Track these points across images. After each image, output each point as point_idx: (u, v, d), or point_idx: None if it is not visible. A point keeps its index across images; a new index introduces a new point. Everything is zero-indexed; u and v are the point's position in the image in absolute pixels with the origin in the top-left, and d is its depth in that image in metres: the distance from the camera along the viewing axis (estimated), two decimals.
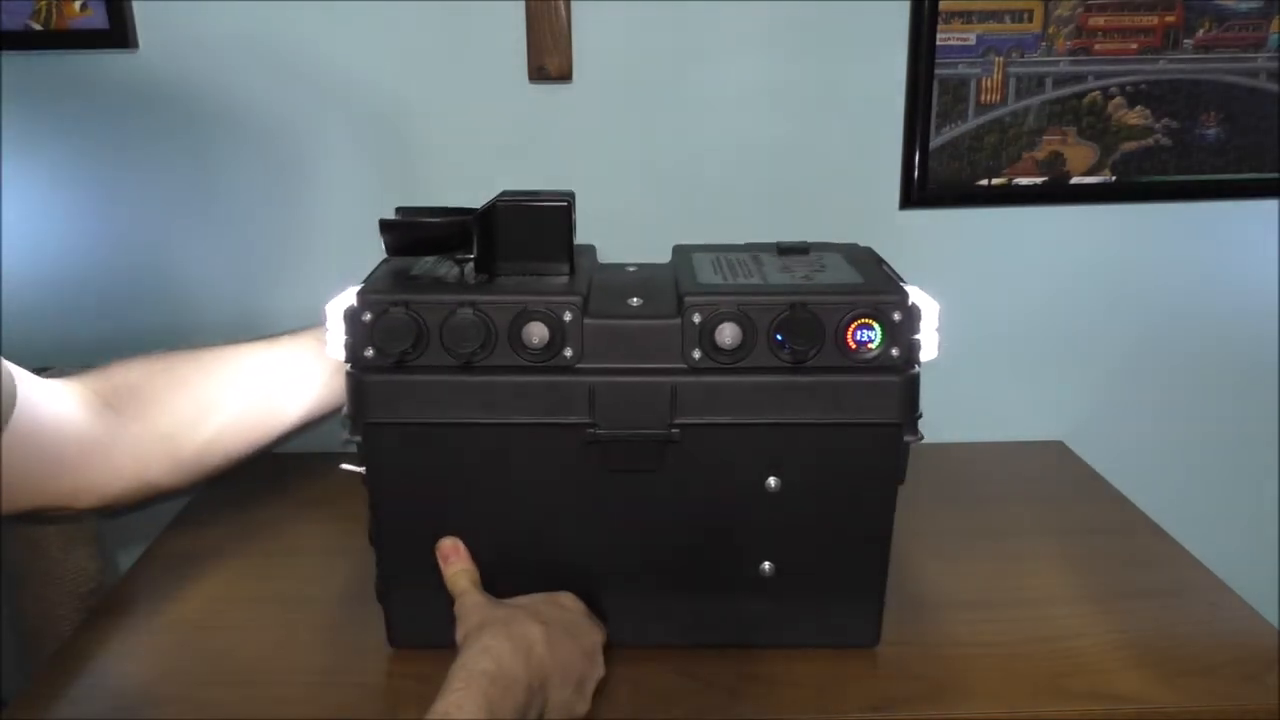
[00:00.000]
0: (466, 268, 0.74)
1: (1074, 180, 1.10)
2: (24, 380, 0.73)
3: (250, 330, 1.12)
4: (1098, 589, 0.86)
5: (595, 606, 0.75)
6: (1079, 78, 1.07)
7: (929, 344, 0.71)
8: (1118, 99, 1.08)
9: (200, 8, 1.03)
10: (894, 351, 0.69)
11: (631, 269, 0.80)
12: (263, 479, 1.10)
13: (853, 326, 0.68)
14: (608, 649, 0.74)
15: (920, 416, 0.70)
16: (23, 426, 0.71)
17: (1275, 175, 1.11)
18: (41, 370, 1.08)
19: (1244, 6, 1.05)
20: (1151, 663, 0.76)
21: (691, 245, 0.84)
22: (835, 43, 1.06)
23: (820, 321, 0.68)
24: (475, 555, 0.74)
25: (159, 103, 1.06)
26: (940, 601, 0.85)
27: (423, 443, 0.70)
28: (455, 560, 0.72)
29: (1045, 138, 1.09)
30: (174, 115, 1.06)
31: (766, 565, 0.74)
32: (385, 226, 0.71)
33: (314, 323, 0.78)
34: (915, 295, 0.70)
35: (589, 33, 1.05)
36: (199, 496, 1.06)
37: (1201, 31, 1.06)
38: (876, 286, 0.71)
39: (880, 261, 0.79)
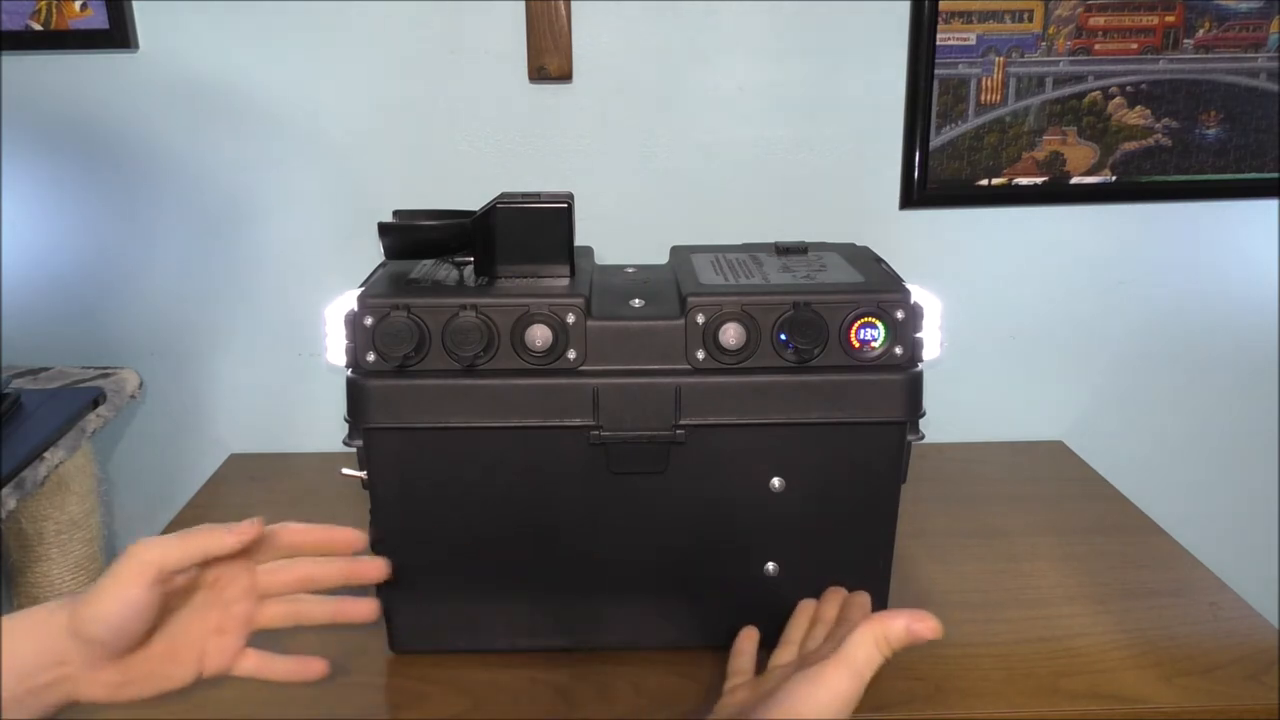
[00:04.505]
0: (466, 270, 0.74)
1: (1074, 180, 1.10)
2: None
3: (249, 327, 1.13)
4: (1098, 589, 0.87)
5: (599, 609, 0.75)
6: (1079, 78, 1.07)
7: (931, 342, 0.71)
8: (1118, 99, 1.08)
9: (200, 8, 1.03)
10: (897, 350, 0.69)
11: (630, 270, 0.80)
12: (262, 479, 1.10)
13: (856, 325, 0.69)
14: (609, 650, 0.74)
15: (924, 415, 0.70)
16: None
17: (1275, 175, 1.11)
18: (41, 370, 1.08)
19: (1244, 6, 1.05)
20: (1151, 663, 0.77)
21: (689, 246, 0.84)
22: (835, 43, 1.06)
23: (824, 320, 0.68)
24: (478, 561, 0.74)
25: (159, 103, 1.05)
26: (941, 601, 0.85)
27: (425, 448, 0.70)
28: None
29: (1045, 138, 1.09)
30: (174, 115, 1.06)
31: (770, 566, 0.74)
32: (384, 229, 0.71)
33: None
34: (917, 293, 0.70)
35: (589, 33, 1.05)
36: (198, 497, 1.06)
37: (1201, 31, 1.06)
38: (879, 285, 0.71)
39: (879, 260, 0.79)
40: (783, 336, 0.68)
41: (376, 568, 0.66)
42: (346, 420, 0.70)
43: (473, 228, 0.72)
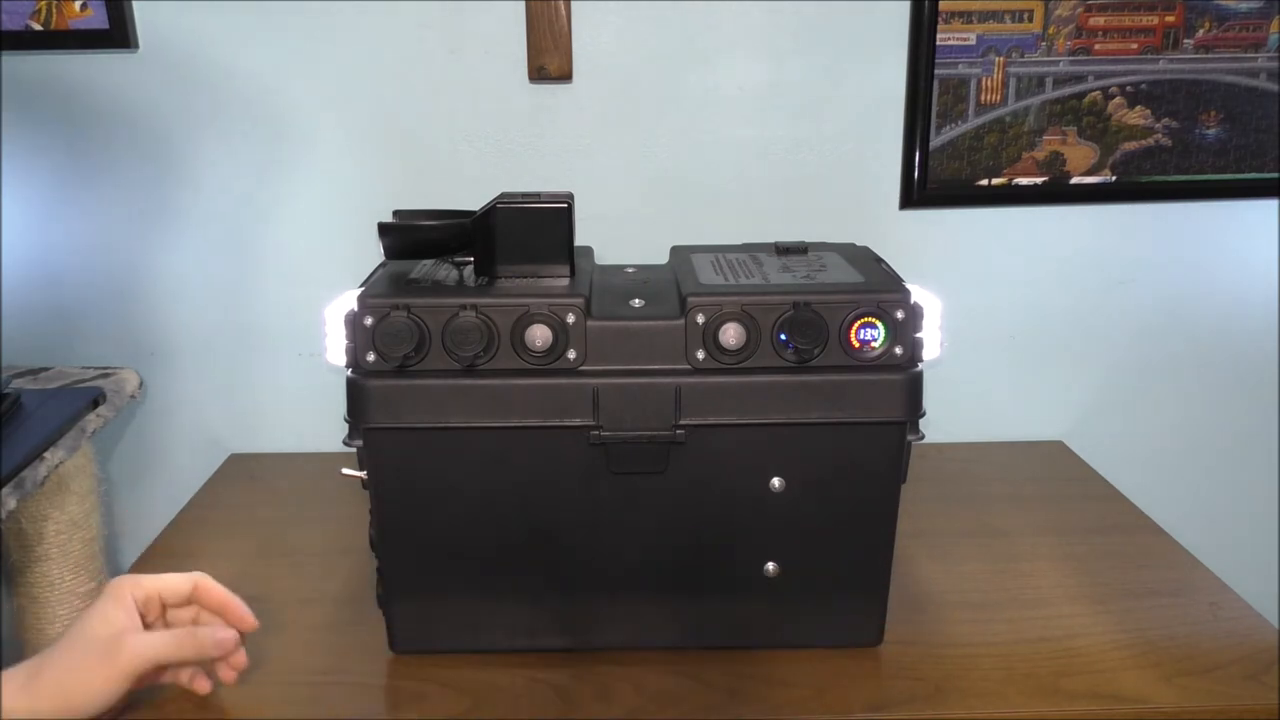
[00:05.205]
0: (466, 270, 0.75)
1: (1074, 180, 1.10)
2: None
3: (249, 327, 1.13)
4: (1098, 589, 0.86)
5: (599, 609, 0.75)
6: (1079, 78, 1.07)
7: (931, 342, 0.71)
8: (1118, 99, 1.08)
9: (200, 8, 1.03)
10: (897, 350, 0.69)
11: (630, 270, 0.80)
12: (262, 479, 1.10)
13: (856, 325, 0.69)
14: (609, 650, 0.74)
15: (924, 415, 0.70)
16: None
17: (1275, 175, 1.11)
18: (41, 370, 1.08)
19: (1244, 6, 1.05)
20: (1151, 663, 0.77)
21: (689, 246, 0.84)
22: (835, 43, 1.06)
23: (824, 320, 0.68)
24: (478, 561, 0.74)
25: (159, 103, 1.05)
26: (940, 601, 0.85)
27: (425, 448, 0.70)
28: None
29: (1045, 138, 1.09)
30: (174, 115, 1.06)
31: (770, 566, 0.74)
32: (384, 230, 0.71)
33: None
34: (917, 293, 0.70)
35: (589, 33, 1.05)
36: (198, 497, 1.06)
37: (1201, 31, 1.06)
38: (879, 285, 0.71)
39: (879, 260, 0.79)
40: (783, 336, 0.68)
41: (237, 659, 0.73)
42: (346, 420, 0.70)
43: (473, 228, 0.72)
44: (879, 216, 1.11)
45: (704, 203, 1.10)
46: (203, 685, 0.73)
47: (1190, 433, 1.21)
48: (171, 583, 0.70)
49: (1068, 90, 1.07)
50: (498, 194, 0.73)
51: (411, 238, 0.74)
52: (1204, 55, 1.07)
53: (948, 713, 0.72)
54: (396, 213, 0.77)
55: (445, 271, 0.75)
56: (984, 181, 1.10)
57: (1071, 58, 1.06)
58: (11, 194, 1.07)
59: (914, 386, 0.69)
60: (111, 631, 0.66)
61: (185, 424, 1.16)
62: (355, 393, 0.69)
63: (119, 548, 1.14)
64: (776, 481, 0.72)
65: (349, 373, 0.69)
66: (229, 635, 0.70)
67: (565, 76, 1.06)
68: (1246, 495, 1.23)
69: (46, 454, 0.92)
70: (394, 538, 0.73)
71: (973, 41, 1.05)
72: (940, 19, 1.04)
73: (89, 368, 1.10)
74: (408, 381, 0.68)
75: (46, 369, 1.09)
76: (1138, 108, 1.08)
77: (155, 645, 0.67)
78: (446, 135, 1.08)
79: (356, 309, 0.68)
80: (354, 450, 0.71)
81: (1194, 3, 1.05)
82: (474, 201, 0.75)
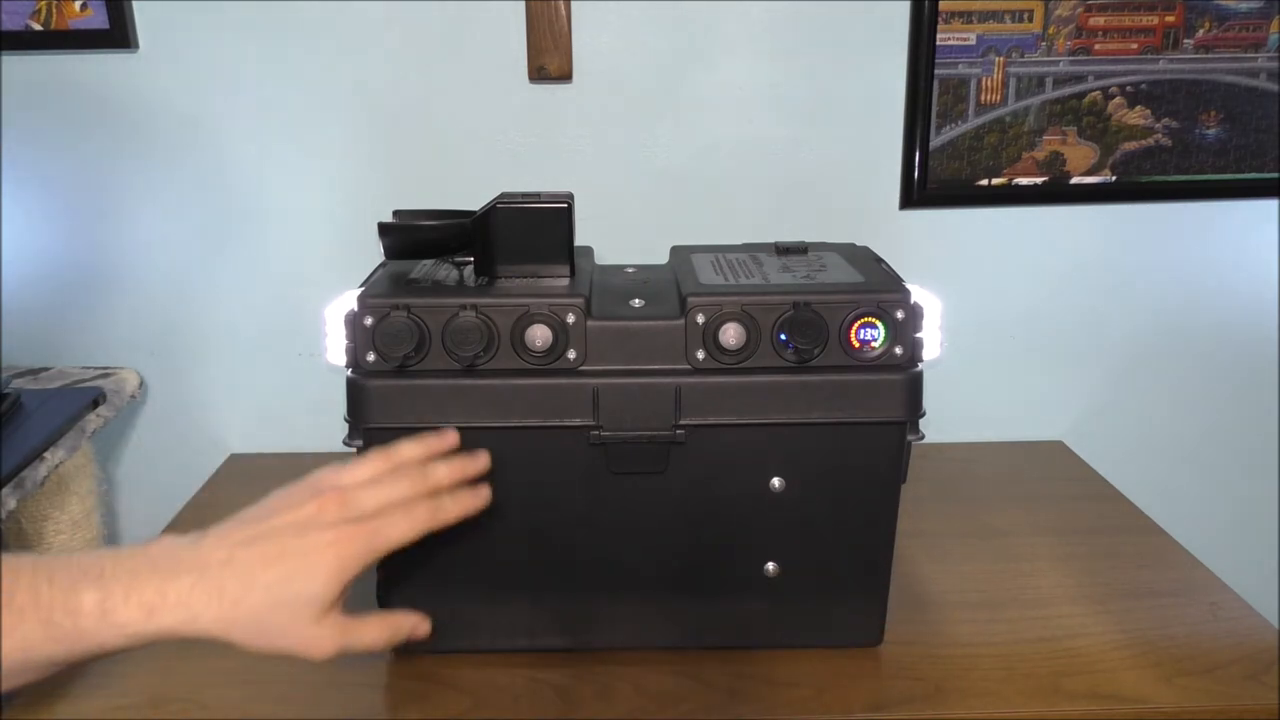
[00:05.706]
0: (466, 270, 0.75)
1: (1074, 180, 1.10)
2: None
3: (249, 327, 1.13)
4: (1098, 589, 0.87)
5: (599, 609, 0.76)
6: (1079, 78, 1.07)
7: (931, 342, 0.71)
8: (1118, 99, 1.08)
9: (200, 8, 1.03)
10: (897, 350, 0.69)
11: (630, 270, 0.80)
12: (262, 479, 1.10)
13: (856, 325, 0.69)
14: (609, 650, 0.74)
15: (924, 415, 0.71)
16: None
17: (1275, 175, 1.11)
18: (41, 370, 1.08)
19: (1244, 6, 1.05)
20: (1151, 663, 0.77)
21: (689, 246, 0.84)
22: (835, 43, 1.06)
23: (824, 320, 0.68)
24: (478, 561, 0.74)
25: (159, 103, 1.05)
26: (940, 601, 0.85)
27: None
28: None
29: (1045, 138, 1.09)
30: (174, 115, 1.06)
31: (770, 566, 0.74)
32: (384, 230, 0.71)
33: None
34: (917, 293, 0.70)
35: (589, 33, 1.05)
36: (198, 497, 1.06)
37: (1201, 31, 1.06)
38: (879, 285, 0.71)
39: (879, 260, 0.79)
40: (783, 336, 0.68)
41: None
42: (346, 420, 0.70)
43: (473, 228, 0.72)
44: (879, 216, 1.11)
45: (704, 203, 1.10)
46: None
47: (1190, 433, 1.21)
48: (399, 540, 0.59)
49: (1068, 90, 1.07)
50: (498, 194, 0.73)
51: (411, 238, 0.74)
52: (1204, 55, 1.07)
53: (948, 713, 0.72)
54: (396, 213, 0.77)
55: (445, 271, 0.75)
56: (984, 181, 1.10)
57: (1071, 58, 1.06)
58: (12, 194, 1.07)
59: (914, 386, 0.70)
60: (320, 600, 0.55)
61: (185, 424, 1.16)
62: (355, 393, 0.69)
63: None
64: (777, 481, 0.72)
65: (349, 373, 0.69)
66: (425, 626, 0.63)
67: (565, 76, 1.06)
68: (1246, 495, 1.23)
69: (46, 454, 0.92)
70: None
71: (973, 41, 1.05)
72: (940, 19, 1.04)
73: (89, 368, 1.10)
74: (408, 381, 0.68)
75: (46, 369, 1.09)
76: (1138, 108, 1.08)
77: (358, 643, 0.57)
78: (446, 135, 1.08)
79: (356, 309, 0.68)
80: (354, 450, 0.71)
81: (1194, 3, 1.05)
82: (474, 201, 0.75)
